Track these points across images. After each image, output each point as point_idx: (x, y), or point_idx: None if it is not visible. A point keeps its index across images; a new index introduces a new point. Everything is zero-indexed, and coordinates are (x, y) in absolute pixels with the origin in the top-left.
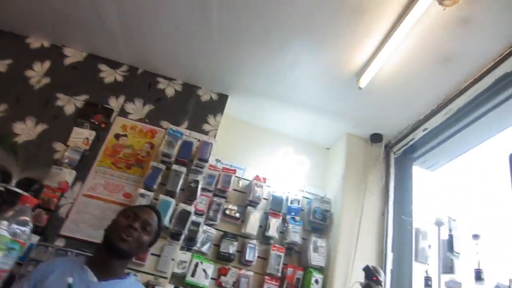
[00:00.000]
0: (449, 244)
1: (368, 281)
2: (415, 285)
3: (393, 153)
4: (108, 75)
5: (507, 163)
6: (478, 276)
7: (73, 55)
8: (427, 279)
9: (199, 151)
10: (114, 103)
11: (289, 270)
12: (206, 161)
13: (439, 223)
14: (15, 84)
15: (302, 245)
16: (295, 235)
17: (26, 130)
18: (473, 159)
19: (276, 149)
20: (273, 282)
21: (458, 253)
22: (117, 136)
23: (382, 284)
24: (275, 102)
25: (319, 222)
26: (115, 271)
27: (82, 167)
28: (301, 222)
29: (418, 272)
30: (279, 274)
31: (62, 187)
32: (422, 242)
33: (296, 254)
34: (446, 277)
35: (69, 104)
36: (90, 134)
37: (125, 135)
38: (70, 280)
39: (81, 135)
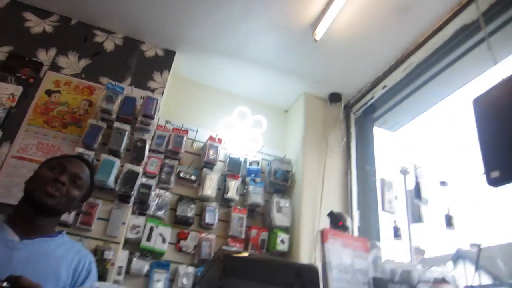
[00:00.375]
0: (416, 191)
1: (334, 227)
2: (384, 237)
3: (353, 113)
4: (36, 24)
5: (471, 109)
6: (449, 222)
7: None
8: (396, 229)
9: (143, 108)
10: (44, 56)
11: (253, 232)
12: (151, 117)
13: (404, 172)
14: None
15: (264, 206)
16: (256, 196)
17: None
18: (435, 115)
19: (231, 110)
20: (237, 244)
21: (427, 199)
22: (48, 92)
23: (349, 229)
24: (226, 59)
25: (281, 183)
26: (41, 229)
27: (9, 126)
28: (262, 184)
29: (387, 224)
30: (243, 236)
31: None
32: (388, 194)
33: (259, 216)
34: (415, 227)
35: None
36: (16, 89)
37: (58, 91)
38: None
39: (6, 91)
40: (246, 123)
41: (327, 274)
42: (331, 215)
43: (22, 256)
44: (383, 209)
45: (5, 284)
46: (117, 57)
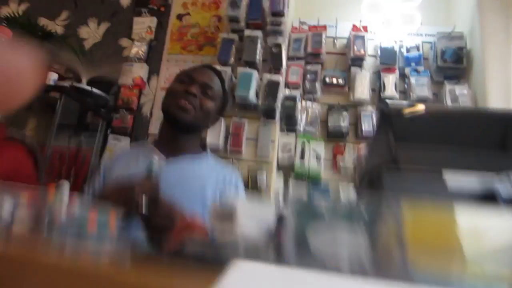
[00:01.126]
0: None
1: None
2: None
3: None
4: None
5: None
6: None
7: None
8: None
9: (270, 5)
10: None
11: None
12: (281, 14)
13: None
14: None
15: (434, 100)
16: (421, 89)
17: (91, 32)
18: None
19: None
20: None
21: None
22: (179, 17)
23: None
24: None
25: (452, 66)
26: (184, 148)
27: (153, 59)
28: (427, 72)
29: None
30: None
31: (138, 83)
32: None
33: None
34: None
35: None
36: (151, 21)
37: (188, 13)
38: (155, 159)
39: (143, 25)
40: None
41: None
42: None
43: (169, 175)
44: None
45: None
46: None
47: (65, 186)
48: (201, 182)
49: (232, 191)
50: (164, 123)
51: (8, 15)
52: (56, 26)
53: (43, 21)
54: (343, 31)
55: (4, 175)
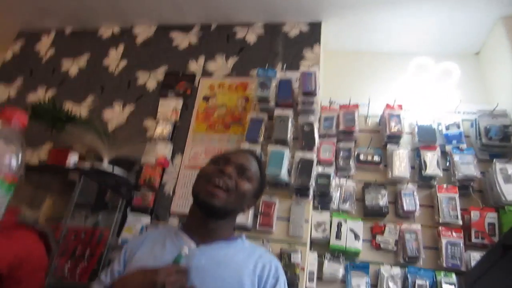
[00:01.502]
0: None
1: None
2: None
3: None
4: (182, 41)
5: None
6: None
7: (143, 31)
8: None
9: (302, 86)
10: (195, 66)
11: (474, 215)
12: (313, 93)
13: None
14: (97, 74)
15: (482, 180)
16: (467, 167)
17: (115, 114)
18: None
19: (404, 69)
20: (453, 234)
21: None
22: (206, 99)
23: None
24: (383, 11)
25: (498, 144)
26: (217, 233)
27: (177, 139)
28: (471, 150)
29: None
30: (459, 222)
31: (161, 162)
32: None
33: (476, 193)
34: None
35: (150, 79)
36: (177, 103)
37: (214, 95)
38: (184, 250)
39: (168, 106)
40: (429, 79)
41: None
42: None
43: (200, 263)
44: None
45: None
46: (262, 46)
47: None
48: (237, 271)
49: (273, 283)
50: (194, 206)
51: (36, 103)
52: (82, 109)
53: (69, 106)
54: (375, 109)
55: (15, 260)
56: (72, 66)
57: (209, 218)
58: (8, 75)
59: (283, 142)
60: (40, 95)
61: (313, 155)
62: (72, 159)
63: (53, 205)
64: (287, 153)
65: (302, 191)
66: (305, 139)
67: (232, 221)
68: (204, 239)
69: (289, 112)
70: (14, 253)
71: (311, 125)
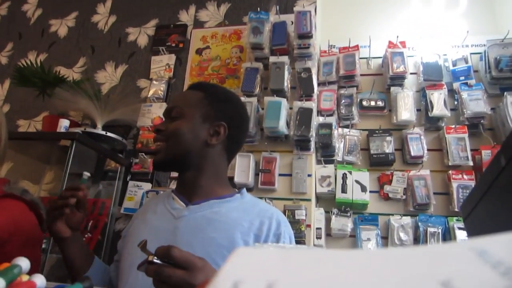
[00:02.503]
0: None
1: None
2: None
3: None
4: None
5: None
6: None
7: None
8: None
9: (296, 27)
10: (186, 16)
11: (485, 154)
12: (308, 35)
13: None
14: (86, 34)
15: (493, 115)
16: (476, 104)
17: (108, 76)
18: None
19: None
20: (464, 176)
21: None
22: (199, 52)
23: None
24: None
25: (510, 76)
26: (206, 191)
27: (173, 97)
28: (480, 85)
29: None
30: (470, 163)
31: (158, 123)
32: None
33: (487, 131)
34: None
35: (141, 35)
36: (169, 58)
37: (207, 47)
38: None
39: (161, 63)
40: (433, 9)
41: None
42: None
43: (188, 224)
44: None
45: (154, 258)
46: None
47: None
48: (229, 230)
49: (274, 241)
50: None
51: (22, 65)
52: (74, 74)
53: (62, 70)
54: (377, 51)
55: (3, 234)
56: (61, 27)
57: (182, 174)
58: None
59: (279, 92)
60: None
61: (312, 104)
62: (63, 124)
63: (53, 179)
64: (284, 103)
65: (303, 144)
66: (303, 87)
67: (213, 171)
68: (194, 198)
69: (285, 59)
70: (0, 226)
71: (308, 70)
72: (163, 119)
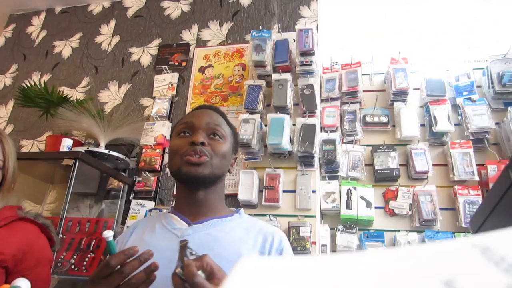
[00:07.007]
0: None
1: None
2: None
3: None
4: (173, 9)
5: None
6: None
7: (133, 3)
8: None
9: (298, 45)
10: (189, 36)
11: (491, 169)
12: (311, 52)
13: None
14: (90, 54)
15: (497, 130)
16: (481, 118)
17: (112, 95)
18: None
19: (408, 20)
20: (470, 191)
21: None
22: (201, 70)
23: None
24: None
25: None
26: (208, 209)
27: (175, 116)
28: (483, 100)
29: None
30: (476, 178)
31: (160, 142)
32: None
33: (492, 146)
34: None
35: (144, 54)
36: (172, 77)
37: (210, 65)
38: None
39: (164, 82)
40: (435, 25)
41: None
42: None
43: (194, 242)
44: None
45: (178, 270)
46: (256, 7)
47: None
48: (235, 247)
49: (276, 255)
50: (178, 184)
51: (25, 85)
52: (77, 94)
53: (65, 90)
54: (379, 66)
55: (18, 253)
56: (65, 48)
57: (197, 191)
58: (2, 62)
59: (282, 109)
60: (35, 80)
61: (315, 120)
62: (66, 143)
63: (56, 199)
64: (287, 119)
65: (306, 160)
66: (305, 103)
67: (221, 192)
68: (196, 218)
69: (287, 75)
70: (16, 246)
71: (311, 86)
72: (193, 130)
